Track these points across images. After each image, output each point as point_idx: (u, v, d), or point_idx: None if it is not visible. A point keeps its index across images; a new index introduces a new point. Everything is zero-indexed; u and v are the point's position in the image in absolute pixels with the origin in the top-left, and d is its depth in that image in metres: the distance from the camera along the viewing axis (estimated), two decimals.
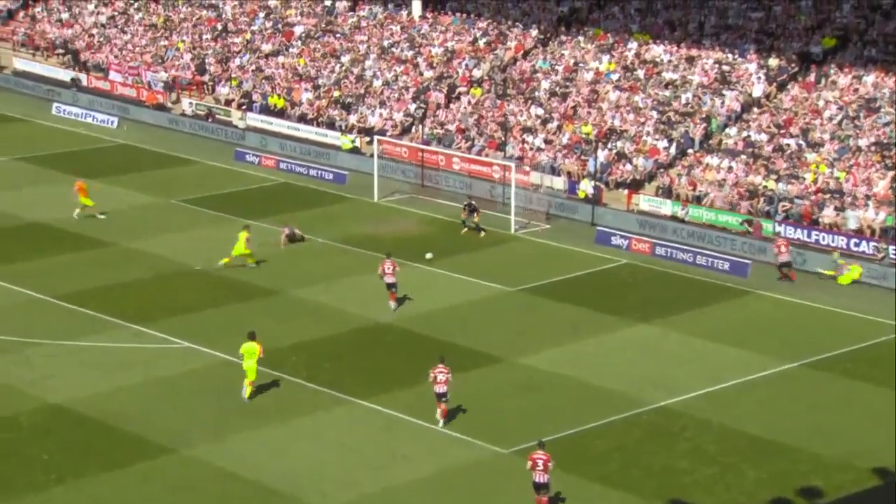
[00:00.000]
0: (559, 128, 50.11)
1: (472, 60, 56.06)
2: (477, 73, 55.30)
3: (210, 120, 57.46)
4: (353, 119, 54.21)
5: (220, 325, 35.54)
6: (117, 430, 29.28)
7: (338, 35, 61.38)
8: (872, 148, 44.43)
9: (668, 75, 51.34)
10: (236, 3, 65.75)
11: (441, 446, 28.76)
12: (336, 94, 56.12)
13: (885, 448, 28.49)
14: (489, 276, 39.70)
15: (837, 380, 32.47)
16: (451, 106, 53.72)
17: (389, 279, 36.42)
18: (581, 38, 55.33)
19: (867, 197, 42.18)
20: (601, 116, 49.99)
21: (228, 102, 58.09)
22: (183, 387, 31.71)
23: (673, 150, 47.47)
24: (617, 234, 42.93)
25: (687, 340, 34.97)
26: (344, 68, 58.14)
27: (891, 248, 39.96)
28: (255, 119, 56.45)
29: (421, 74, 56.20)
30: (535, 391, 31.71)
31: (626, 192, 46.15)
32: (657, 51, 52.91)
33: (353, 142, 52.99)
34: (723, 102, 48.82)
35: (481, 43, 57.38)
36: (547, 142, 49.51)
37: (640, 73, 52.02)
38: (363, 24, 61.64)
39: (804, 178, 43.82)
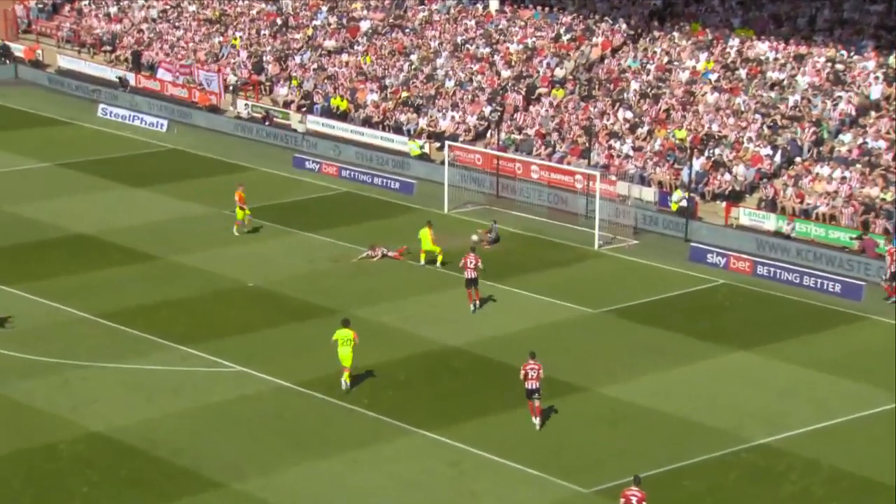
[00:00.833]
0: (650, 133, 49.97)
1: (554, 58, 56.17)
2: (559, 73, 55.38)
3: (267, 123, 58.25)
4: (422, 123, 54.60)
5: (274, 347, 35.96)
6: (163, 461, 29.73)
7: (407, 31, 61.88)
8: None
9: (773, 75, 50.95)
10: None
11: (514, 483, 28.78)
12: (404, 95, 56.57)
13: None
14: (570, 296, 39.66)
15: None
16: (531, 109, 53.86)
17: (470, 274, 37.31)
18: (676, 34, 55.15)
19: None
20: (697, 121, 49.76)
21: (287, 104, 58.85)
22: (234, 414, 32.10)
23: (778, 158, 47.09)
24: (713, 252, 42.66)
25: (792, 370, 34.64)
26: (413, 67, 58.59)
27: None
28: (316, 122, 57.11)
29: (498, 74, 56.43)
30: (619, 425, 31.60)
31: (724, 204, 45.86)
32: (762, 48, 52.54)
33: (421, 148, 53.35)
34: (835, 105, 48.32)
35: (565, 39, 57.46)
36: (636, 148, 49.39)
37: (742, 72, 51.69)
38: (435, 18, 62.08)
39: None
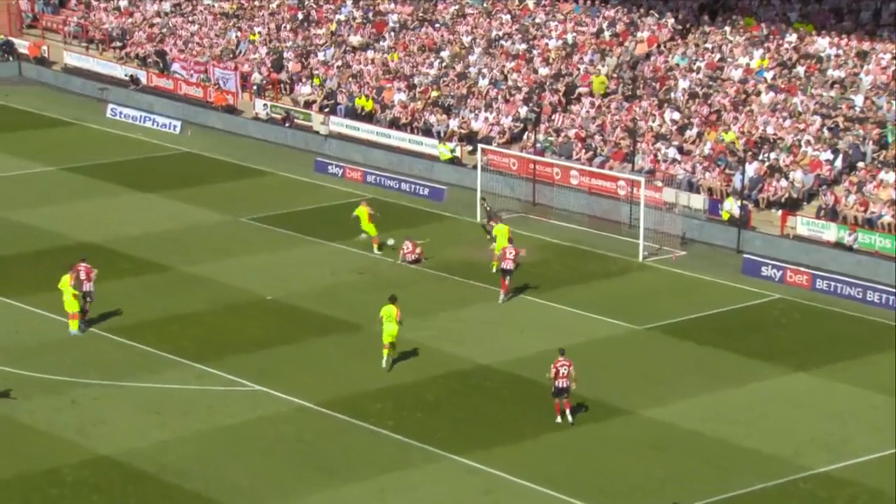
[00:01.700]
0: (699, 136, 49.96)
1: (595, 55, 56.25)
2: (602, 71, 55.47)
3: (288, 125, 58.59)
4: (453, 124, 54.79)
5: (293, 364, 36.16)
6: (175, 487, 29.91)
7: (437, 26, 62.13)
8: None
9: (834, 73, 50.84)
10: None
11: None
12: (434, 94, 56.78)
13: None
14: (612, 311, 39.69)
15: None
16: (570, 109, 53.96)
17: (507, 265, 39.23)
18: (728, 29, 55.12)
19: None
20: (751, 122, 49.72)
21: (309, 104, 59.16)
22: (251, 437, 32.28)
23: (839, 163, 46.98)
24: (768, 264, 42.62)
25: (855, 392, 34.56)
26: (444, 65, 58.81)
27: None
28: (340, 124, 57.37)
29: (535, 72, 56.57)
30: (665, 450, 31.58)
31: (779, 213, 45.80)
32: (821, 44, 52.44)
33: (452, 151, 53.52)
34: None
35: (607, 34, 57.53)
36: (684, 152, 49.38)
37: (800, 70, 51.62)
38: (467, 12, 62.30)
39: None
